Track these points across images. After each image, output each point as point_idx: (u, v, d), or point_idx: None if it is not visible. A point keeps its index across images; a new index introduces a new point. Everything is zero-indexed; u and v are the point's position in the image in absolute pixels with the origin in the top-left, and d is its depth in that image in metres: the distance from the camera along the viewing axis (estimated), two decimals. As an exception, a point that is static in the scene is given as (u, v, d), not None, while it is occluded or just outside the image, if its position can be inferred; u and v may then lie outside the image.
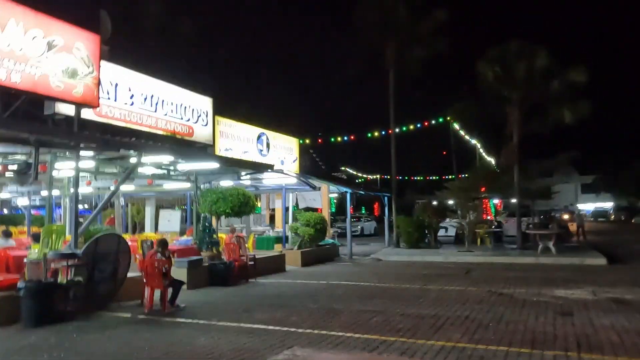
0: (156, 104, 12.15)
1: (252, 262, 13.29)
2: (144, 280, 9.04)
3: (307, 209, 24.33)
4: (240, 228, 21.04)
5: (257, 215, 24.23)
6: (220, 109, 14.95)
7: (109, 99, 10.83)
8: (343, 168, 39.33)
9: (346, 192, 18.87)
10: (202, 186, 13.99)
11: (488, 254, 18.25)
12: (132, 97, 11.47)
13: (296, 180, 17.42)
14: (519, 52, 18.39)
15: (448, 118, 34.20)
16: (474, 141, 36.25)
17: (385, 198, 22.51)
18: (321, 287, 11.77)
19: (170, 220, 22.70)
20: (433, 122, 30.14)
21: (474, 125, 25.56)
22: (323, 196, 23.82)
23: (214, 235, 13.16)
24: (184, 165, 12.25)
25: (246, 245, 13.93)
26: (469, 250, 19.02)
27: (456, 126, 31.96)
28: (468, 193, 20.64)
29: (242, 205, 13.09)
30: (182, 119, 12.95)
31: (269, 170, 13.66)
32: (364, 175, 49.93)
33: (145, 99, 11.85)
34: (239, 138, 15.47)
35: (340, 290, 11.08)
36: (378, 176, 52.62)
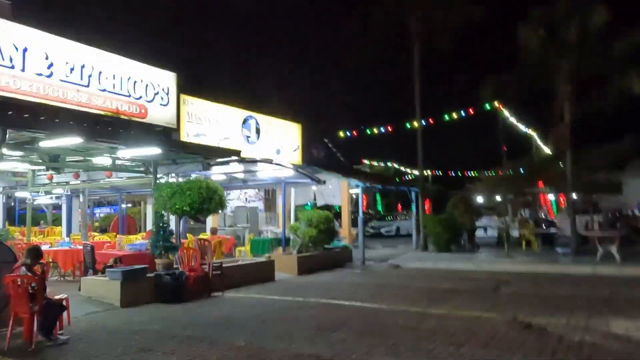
0: (89, 76, 9.84)
1: (218, 272, 10.72)
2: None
3: (324, 207, 21.61)
4: (242, 228, 18.62)
5: (272, 214, 21.76)
6: (197, 88, 12.51)
7: (12, 67, 8.59)
8: (366, 161, 35.99)
9: (358, 185, 15.94)
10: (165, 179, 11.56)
11: (532, 261, 14.77)
12: (50, 66, 9.20)
13: (296, 173, 14.68)
14: (569, 9, 14.73)
15: (496, 103, 30.35)
16: (523, 126, 31.99)
17: (413, 193, 19.34)
18: (289, 307, 9.00)
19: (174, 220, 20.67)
20: (470, 105, 26.46)
21: (517, 104, 21.72)
22: (343, 192, 21.02)
23: (171, 239, 10.67)
24: (124, 152, 9.85)
25: (212, 250, 11.38)
26: (510, 256, 15.58)
27: (502, 109, 27.99)
28: (514, 186, 17.10)
29: (204, 201, 10.50)
30: (129, 96, 10.58)
31: (236, 158, 11.03)
32: (399, 167, 46.25)
33: (72, 69, 9.56)
34: (216, 122, 12.96)
35: (305, 314, 8.27)
36: (412, 170, 48.77)
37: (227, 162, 11.42)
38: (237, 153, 11.00)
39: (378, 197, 54.40)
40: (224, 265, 11.68)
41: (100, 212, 32.54)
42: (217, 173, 15.27)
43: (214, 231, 13.87)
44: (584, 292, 10.18)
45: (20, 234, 19.64)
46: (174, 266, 10.36)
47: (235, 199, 20.49)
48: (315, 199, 22.06)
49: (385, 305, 8.91)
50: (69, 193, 19.21)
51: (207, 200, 10.66)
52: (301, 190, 21.55)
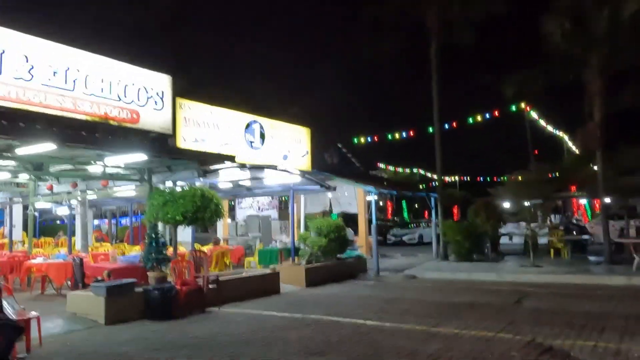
0: (74, 80, 9.33)
1: (213, 285, 10.03)
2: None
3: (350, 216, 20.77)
4: (254, 237, 17.95)
5: (286, 223, 21.05)
6: (196, 91, 11.93)
7: (-14, 70, 8.16)
8: (384, 166, 34.92)
9: (371, 192, 15.06)
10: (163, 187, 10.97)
11: (560, 271, 13.58)
12: (31, 69, 8.72)
13: (303, 179, 13.93)
14: (597, -3, 13.61)
15: (522, 104, 28.94)
16: (552, 127, 30.51)
17: (432, 200, 18.33)
18: (282, 326, 8.20)
19: (187, 229, 20.20)
20: (491, 105, 25.26)
21: (543, 103, 20.46)
22: (359, 199, 20.16)
23: (163, 251, 10.03)
24: (111, 160, 9.29)
25: (209, 262, 10.70)
26: (536, 265, 14.42)
27: (528, 109, 26.58)
28: (542, 190, 15.89)
29: (198, 210, 9.86)
30: (120, 100, 10.04)
31: (236, 164, 10.33)
32: (425, 173, 44.98)
33: (55, 73, 9.06)
34: (216, 127, 12.33)
35: (297, 334, 7.46)
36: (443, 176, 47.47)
37: (222, 169, 10.78)
38: (231, 158, 10.31)
39: (404, 204, 53.19)
40: (224, 278, 11.03)
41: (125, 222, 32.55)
42: (223, 181, 14.70)
43: (216, 241, 13.25)
44: (616, 308, 9.08)
45: (35, 246, 19.52)
46: (168, 280, 9.73)
47: (247, 207, 19.87)
48: (331, 207, 21.27)
49: (389, 323, 8.03)
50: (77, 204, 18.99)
51: (202, 210, 10.02)
52: (316, 197, 20.79)
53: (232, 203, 20.49)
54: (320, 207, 21.34)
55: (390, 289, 12.57)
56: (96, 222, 29.62)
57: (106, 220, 33.75)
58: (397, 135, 33.05)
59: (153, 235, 10.08)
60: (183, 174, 10.56)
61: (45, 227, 29.32)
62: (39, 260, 11.21)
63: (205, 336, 7.55)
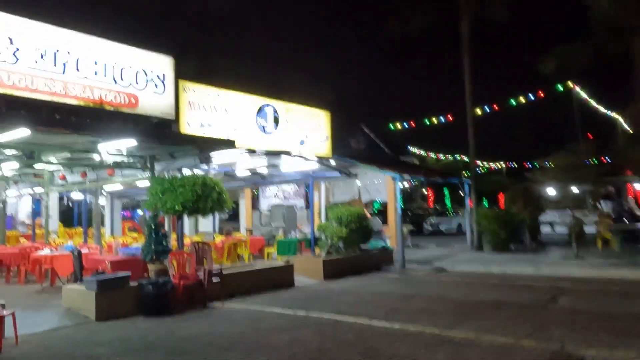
0: (65, 62, 8.82)
1: (217, 279, 9.40)
2: None
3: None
4: (275, 227, 17.31)
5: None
6: (204, 73, 11.26)
7: (-36, 53, 7.72)
8: (417, 152, 33.39)
9: (395, 178, 14.05)
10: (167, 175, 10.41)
11: (607, 265, 12.21)
12: (16, 52, 8.26)
13: (321, 166, 13.12)
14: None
15: (569, 83, 26.83)
16: (603, 107, 28.26)
17: (466, 186, 17.10)
18: (279, 326, 7.45)
19: (209, 219, 19.82)
20: (529, 84, 23.46)
21: (588, 80, 18.66)
22: (388, 186, 19.14)
23: (164, 242, 9.47)
24: (103, 146, 8.76)
25: (212, 255, 10.07)
26: (579, 257, 13.07)
27: (574, 87, 24.54)
28: (589, 174, 14.40)
29: (199, 199, 9.22)
30: (116, 83, 9.49)
31: (225, 147, 9.57)
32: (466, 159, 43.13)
33: (43, 55, 8.57)
34: (224, 111, 11.63)
35: (290, 337, 6.68)
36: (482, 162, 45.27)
37: (227, 155, 10.09)
38: (230, 143, 9.61)
39: (446, 192, 51.36)
40: (231, 271, 10.41)
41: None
42: (241, 169, 14.08)
43: (227, 232, 12.66)
44: (669, 309, 7.83)
45: (68, 237, 19.61)
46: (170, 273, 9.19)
47: (271, 196, 19.24)
48: (360, 195, 20.34)
49: (398, 325, 7.14)
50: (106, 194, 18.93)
51: (203, 199, 9.38)
52: (344, 185, 19.94)
53: (256, 192, 19.92)
54: (349, 196, 20.46)
55: (412, 283, 11.61)
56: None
57: (140, 211, 34.15)
58: (434, 120, 31.64)
59: (152, 226, 9.55)
60: (185, 161, 9.95)
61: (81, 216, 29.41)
62: (45, 251, 10.93)
63: (191, 337, 6.90)
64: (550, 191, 15.04)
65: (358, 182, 19.58)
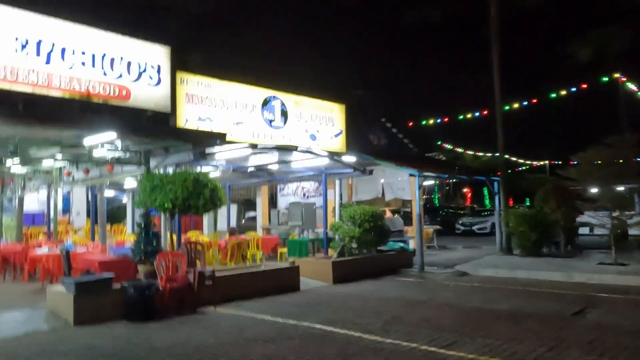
0: (49, 52, 8.41)
1: (209, 282, 8.80)
2: None
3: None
4: (292, 226, 16.61)
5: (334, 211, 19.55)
6: (206, 64, 10.69)
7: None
8: (448, 147, 31.93)
9: (414, 175, 13.11)
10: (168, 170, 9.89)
11: (650, 271, 10.90)
12: (-5, 42, 7.89)
13: (332, 162, 12.34)
14: None
15: (615, 75, 24.88)
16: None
17: (495, 184, 15.92)
18: (260, 337, 6.74)
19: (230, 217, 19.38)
20: (562, 73, 21.81)
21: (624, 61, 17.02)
22: (412, 184, 18.13)
23: (154, 242, 8.96)
24: (88, 140, 8.30)
25: (204, 257, 9.46)
26: (619, 263, 11.78)
27: (621, 78, 22.64)
28: (629, 170, 12.94)
29: (190, 196, 8.65)
30: (105, 75, 9.03)
31: (217, 141, 8.93)
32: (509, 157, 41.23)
33: (24, 45, 8.17)
34: (226, 103, 11.01)
35: (266, 353, 5.96)
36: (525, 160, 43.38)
37: (226, 150, 9.48)
38: (221, 136, 8.97)
39: (485, 191, 49.48)
40: (227, 273, 9.81)
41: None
42: (252, 165, 13.49)
43: (232, 231, 12.07)
44: None
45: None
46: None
47: (290, 194, 18.58)
48: (383, 193, 19.42)
49: (392, 339, 6.31)
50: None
51: (195, 196, 8.80)
52: (367, 183, 19.08)
53: (273, 190, 19.30)
54: (372, 194, 19.59)
55: (427, 288, 10.68)
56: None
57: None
58: (467, 115, 30.22)
59: (143, 225, 9.06)
60: (179, 156, 9.39)
61: (110, 212, 29.21)
62: (43, 250, 10.62)
63: (163, 347, 6.30)
64: (589, 190, 13.69)
65: (381, 180, 18.70)
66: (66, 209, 26.99)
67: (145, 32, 10.01)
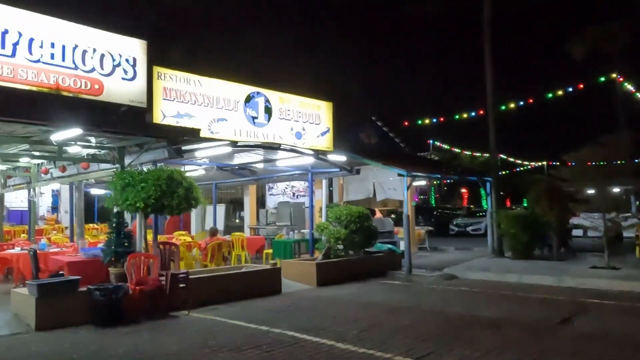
0: (15, 44, 8.04)
1: (182, 285, 8.44)
2: None
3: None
4: (280, 227, 16.27)
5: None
6: (189, 59, 10.31)
7: None
8: (445, 147, 31.51)
9: (402, 174, 12.74)
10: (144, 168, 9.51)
11: (643, 276, 10.55)
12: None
13: (316, 160, 11.98)
14: None
15: (614, 76, 24.48)
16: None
17: (487, 185, 15.56)
18: (229, 346, 6.37)
19: (217, 217, 19.01)
20: (554, 70, 21.42)
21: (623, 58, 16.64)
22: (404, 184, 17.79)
23: (126, 243, 8.59)
24: (56, 136, 7.94)
25: (179, 258, 9.11)
26: (612, 267, 11.43)
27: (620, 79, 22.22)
28: (624, 170, 12.56)
29: (163, 195, 8.28)
30: (76, 68, 8.66)
31: (190, 137, 8.53)
32: (506, 158, 40.89)
33: (-12, 36, 7.82)
34: (206, 99, 10.62)
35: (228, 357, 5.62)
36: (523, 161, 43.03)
37: (204, 148, 9.11)
38: (194, 132, 8.60)
39: (482, 192, 49.11)
40: (202, 276, 9.48)
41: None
42: (236, 164, 13.13)
43: (213, 232, 11.70)
44: None
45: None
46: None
47: (279, 194, 18.22)
48: (375, 193, 19.08)
49: (366, 348, 5.96)
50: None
51: (168, 195, 8.42)
52: (359, 183, 18.75)
53: (263, 190, 18.94)
54: (363, 194, 19.26)
55: (412, 292, 10.33)
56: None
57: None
58: (460, 114, 29.84)
59: (114, 225, 8.70)
60: (154, 153, 9.02)
61: (103, 212, 28.82)
62: (16, 250, 10.25)
63: (117, 355, 5.95)
64: (582, 190, 13.33)
65: (373, 179, 18.36)
66: (55, 207, 26.63)
67: (123, 25, 9.63)
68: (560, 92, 26.11)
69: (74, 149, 10.03)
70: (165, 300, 8.16)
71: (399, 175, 12.84)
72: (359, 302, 9.28)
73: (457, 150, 45.10)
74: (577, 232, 15.14)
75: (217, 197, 21.64)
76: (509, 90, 30.44)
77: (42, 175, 12.21)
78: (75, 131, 7.53)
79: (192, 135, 8.54)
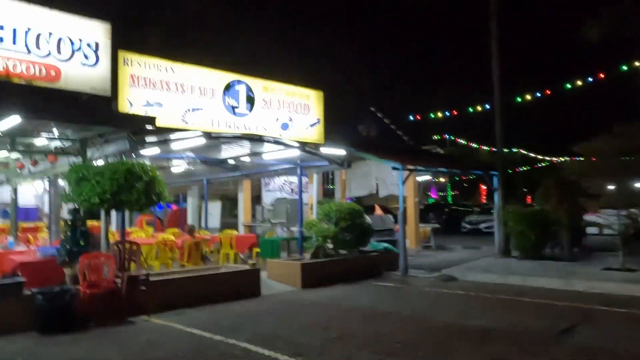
0: (-43, 26, 7.42)
1: (142, 287, 7.73)
2: None
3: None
4: (274, 224, 15.49)
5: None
6: (170, 46, 9.55)
7: None
8: (437, 137, 30.20)
9: (397, 168, 11.82)
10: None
11: (662, 279, 9.45)
12: None
13: (303, 153, 11.15)
14: None
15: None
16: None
17: (494, 179, 14.50)
18: (173, 356, 5.62)
19: (213, 214, 18.35)
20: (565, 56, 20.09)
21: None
22: (408, 179, 16.84)
23: (82, 242, 7.89)
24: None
25: (140, 258, 8.37)
26: (627, 269, 10.34)
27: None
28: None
29: (121, 190, 7.55)
30: (29, 52, 7.99)
31: (147, 126, 7.76)
32: (527, 153, 39.42)
33: None
34: (180, 87, 9.87)
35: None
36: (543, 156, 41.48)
37: (172, 140, 8.37)
38: (149, 120, 7.85)
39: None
40: (167, 277, 8.76)
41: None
42: (217, 158, 12.36)
43: (190, 230, 10.96)
44: None
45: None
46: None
47: (276, 190, 17.43)
48: (377, 189, 18.16)
49: (323, 365, 5.12)
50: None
51: (126, 190, 7.68)
52: (361, 178, 17.86)
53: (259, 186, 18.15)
54: (366, 190, 18.36)
55: (402, 296, 9.44)
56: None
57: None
58: (478, 107, 28.66)
59: (69, 223, 8.02)
60: (117, 144, 8.30)
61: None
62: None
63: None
64: (595, 185, 12.23)
65: (374, 174, 17.46)
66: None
67: (87, 7, 8.92)
68: (579, 83, 24.74)
69: (40, 142, 9.42)
70: (121, 305, 7.45)
71: (393, 168, 11.93)
72: (339, 306, 8.43)
73: (474, 145, 43.78)
74: (592, 230, 13.99)
75: (214, 194, 20.95)
76: (525, 81, 29.07)
77: (18, 170, 11.61)
78: (14, 119, 6.85)
79: (148, 123, 7.78)
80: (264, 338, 6.23)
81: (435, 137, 33.27)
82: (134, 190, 7.74)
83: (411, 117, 21.29)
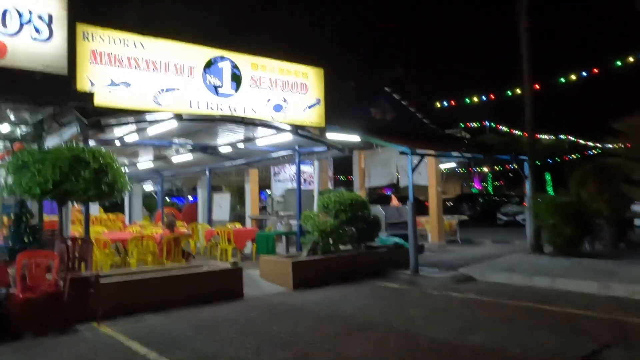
0: None
1: (91, 290, 6.74)
2: None
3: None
4: (281, 216, 14.35)
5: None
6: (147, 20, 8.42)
7: None
8: (476, 125, 28.09)
9: (406, 153, 10.35)
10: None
11: None
12: None
13: (296, 137, 9.90)
14: None
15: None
16: None
17: (525, 166, 12.78)
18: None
19: (222, 206, 17.42)
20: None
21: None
22: (429, 167, 15.41)
23: (27, 238, 6.99)
24: None
25: (92, 256, 7.36)
26: (681, 269, 8.57)
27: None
28: None
29: (66, 179, 6.57)
30: (-32, 26, 7.11)
31: (79, 104, 6.66)
32: (576, 140, 36.71)
33: None
34: (151, 64, 8.74)
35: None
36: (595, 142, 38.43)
37: (131, 122, 7.29)
38: (85, 97, 6.78)
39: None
40: (145, 277, 7.78)
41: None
42: (223, 145, 11.29)
43: (170, 224, 9.92)
44: None
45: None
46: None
47: (287, 180, 16.29)
48: (398, 178, 16.76)
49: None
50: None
51: (71, 179, 6.70)
52: (382, 167, 16.53)
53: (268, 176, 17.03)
54: (386, 179, 16.98)
55: (399, 301, 8.08)
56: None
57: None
58: (518, 90, 26.56)
59: (16, 215, 7.13)
60: (69, 129, 7.33)
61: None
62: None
63: None
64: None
65: (396, 163, 16.04)
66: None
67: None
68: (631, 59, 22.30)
69: (4, 128, 8.61)
70: (63, 311, 6.48)
71: (401, 153, 10.49)
72: (320, 314, 7.18)
73: (517, 132, 41.24)
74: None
75: (224, 185, 19.97)
76: (570, 61, 26.67)
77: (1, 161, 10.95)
78: None
79: (83, 99, 6.75)
80: (202, 357, 5.08)
81: (475, 124, 31.09)
82: (81, 179, 6.75)
83: (432, 99, 19.59)
